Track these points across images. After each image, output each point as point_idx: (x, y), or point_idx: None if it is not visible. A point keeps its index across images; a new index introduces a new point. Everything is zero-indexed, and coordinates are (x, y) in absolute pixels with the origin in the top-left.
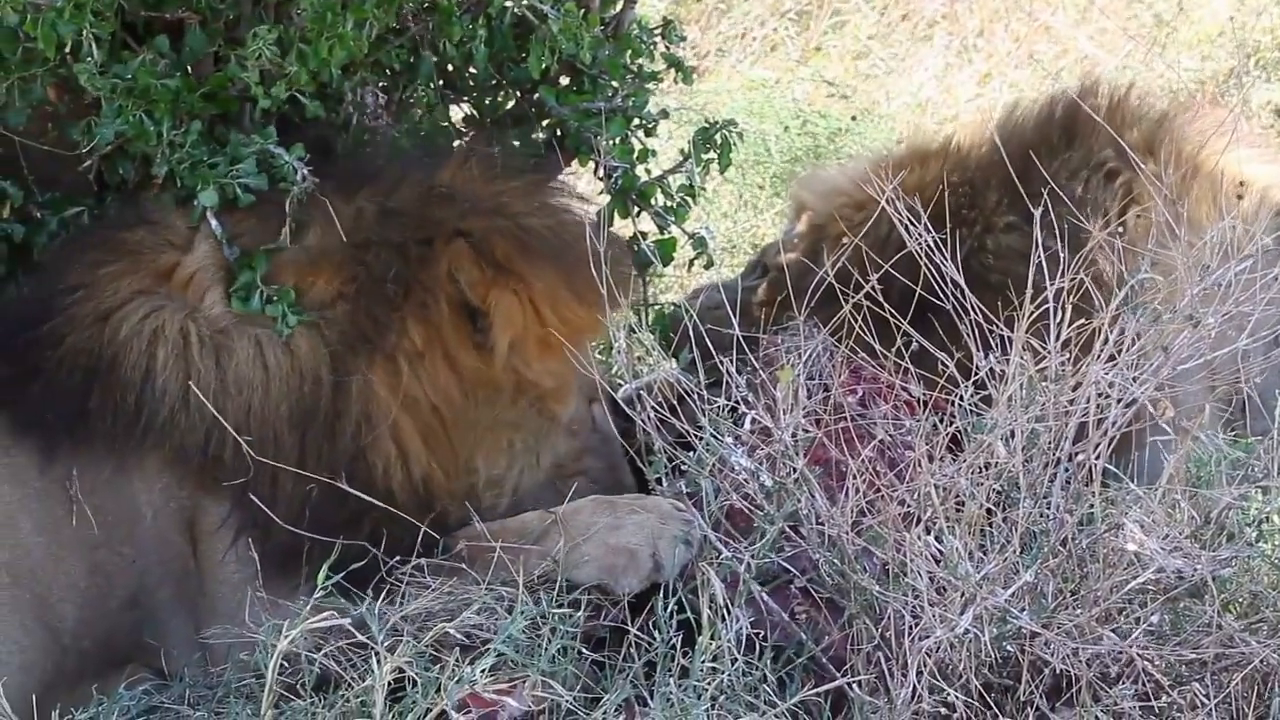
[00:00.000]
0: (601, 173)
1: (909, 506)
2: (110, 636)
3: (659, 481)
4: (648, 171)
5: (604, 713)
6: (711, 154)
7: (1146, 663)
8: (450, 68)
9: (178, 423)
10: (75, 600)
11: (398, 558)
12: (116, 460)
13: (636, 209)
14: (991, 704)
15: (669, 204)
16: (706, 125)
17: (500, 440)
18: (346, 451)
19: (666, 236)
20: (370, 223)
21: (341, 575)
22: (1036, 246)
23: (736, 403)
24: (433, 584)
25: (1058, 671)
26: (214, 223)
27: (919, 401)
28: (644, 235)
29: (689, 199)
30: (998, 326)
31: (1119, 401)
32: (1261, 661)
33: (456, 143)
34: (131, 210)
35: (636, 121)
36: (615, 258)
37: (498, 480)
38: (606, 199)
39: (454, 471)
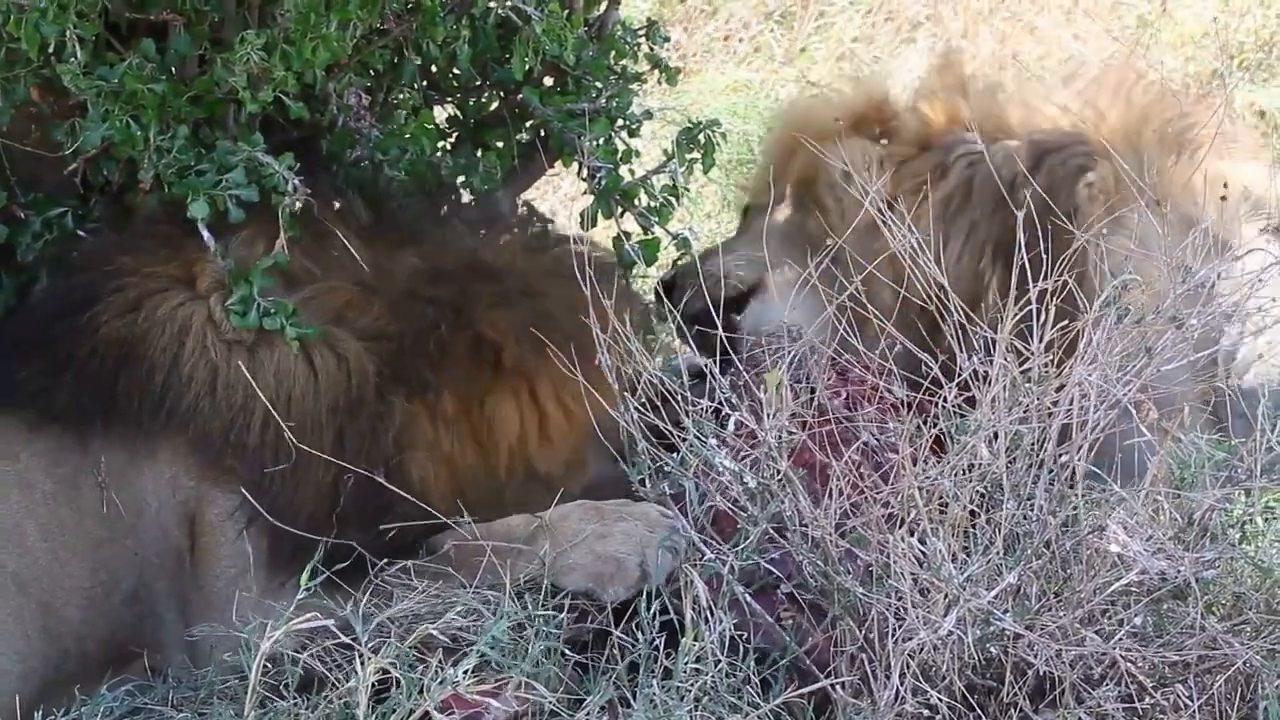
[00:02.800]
0: (585, 174)
1: (892, 508)
2: (112, 634)
3: (642, 483)
4: (631, 172)
5: (587, 714)
6: (695, 154)
7: (1130, 664)
8: (434, 69)
9: (201, 408)
10: (79, 603)
11: (385, 559)
12: (130, 450)
13: (620, 210)
14: (974, 706)
15: (653, 204)
16: (690, 126)
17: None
18: (386, 452)
19: (650, 237)
20: (419, 279)
21: (332, 573)
22: (1019, 248)
23: (720, 404)
24: (419, 586)
25: (1041, 673)
26: (206, 234)
27: (903, 403)
28: (628, 236)
29: (672, 199)
30: (980, 327)
31: (1102, 403)
32: (1245, 663)
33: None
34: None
35: (620, 122)
36: (640, 321)
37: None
38: (590, 200)
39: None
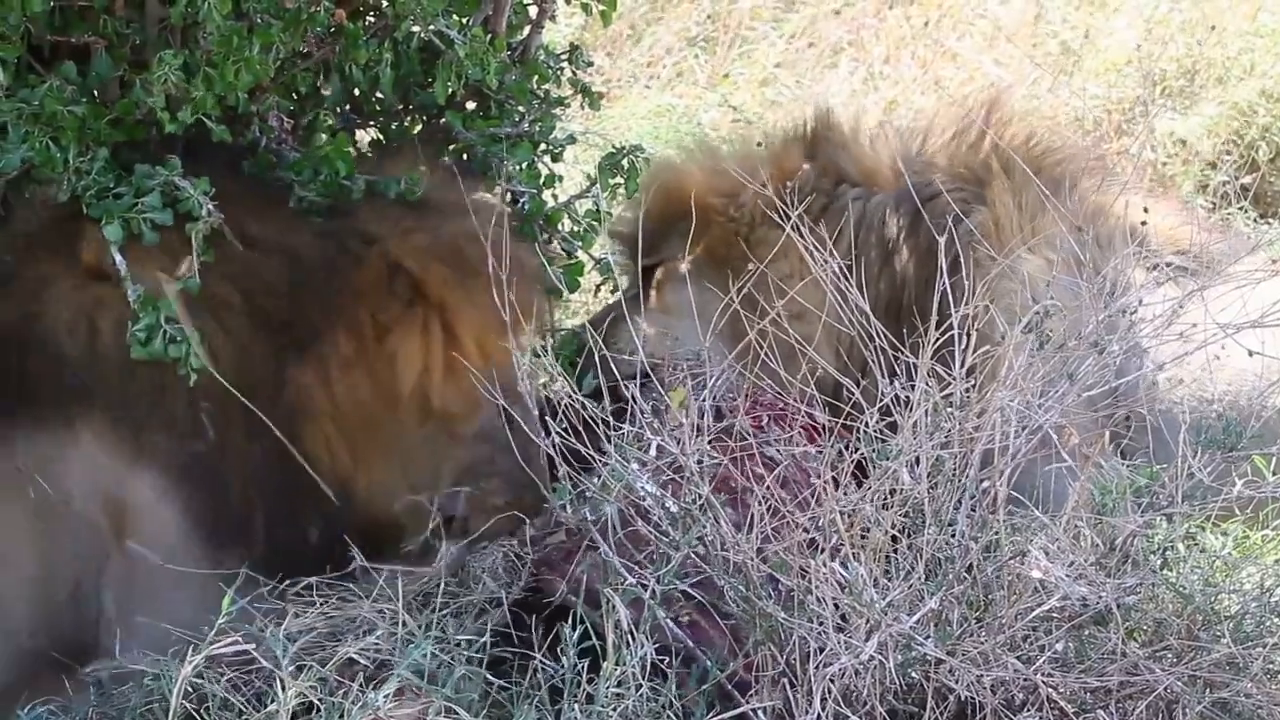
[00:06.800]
0: (508, 198)
1: (814, 532)
2: (61, 632)
3: (564, 507)
4: (554, 197)
5: None
6: (618, 179)
7: (1051, 690)
8: (357, 92)
9: (122, 388)
10: (26, 596)
11: (287, 581)
12: (53, 436)
13: (545, 235)
14: None
15: (576, 229)
16: (614, 151)
17: (414, 458)
18: (286, 424)
19: (574, 262)
20: (306, 225)
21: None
22: (941, 274)
23: (641, 428)
24: (329, 602)
25: (962, 699)
26: (118, 258)
27: (824, 428)
28: (550, 261)
29: (595, 224)
30: (903, 352)
31: (1023, 428)
32: (1166, 689)
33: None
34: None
35: (543, 147)
36: (535, 276)
37: (414, 498)
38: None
39: (376, 483)
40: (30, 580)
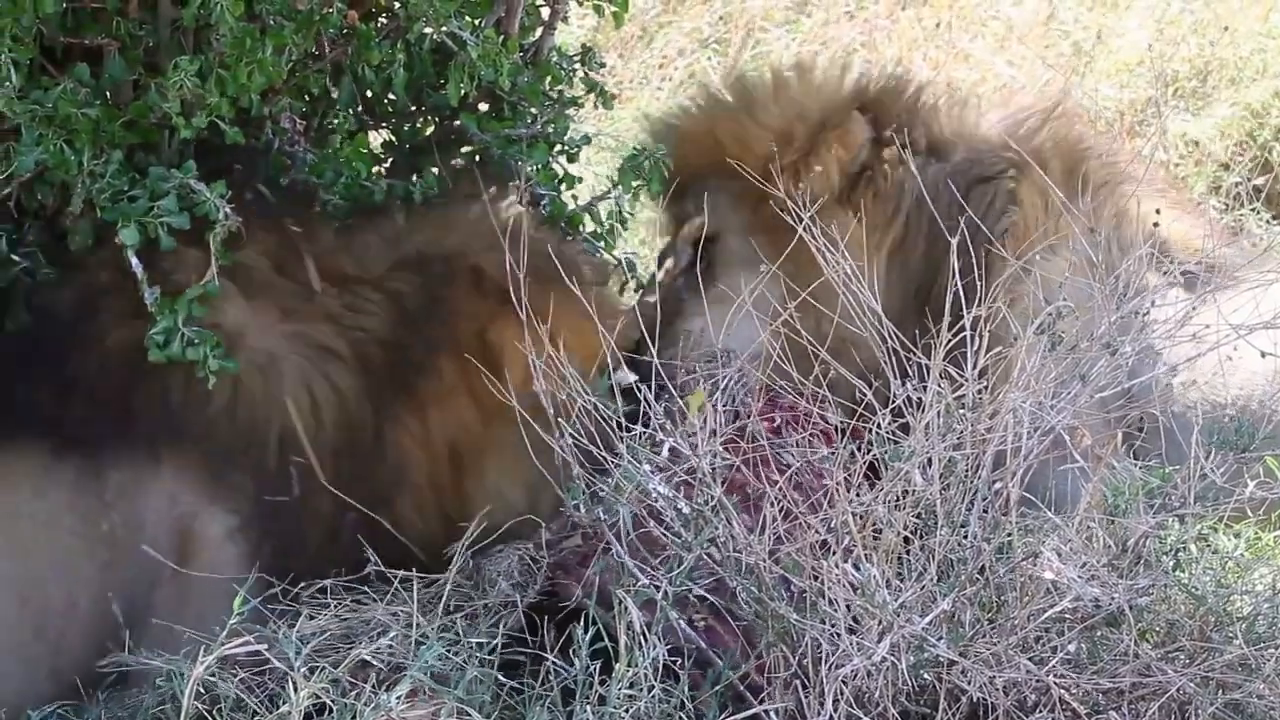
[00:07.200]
0: (522, 199)
1: (826, 534)
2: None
3: (576, 508)
4: (574, 198)
5: None
6: (639, 181)
7: (1063, 691)
8: (369, 93)
9: (221, 428)
10: (83, 631)
11: (301, 584)
12: (137, 467)
13: (567, 236)
14: None
15: (599, 230)
16: (635, 152)
17: (526, 460)
18: (380, 488)
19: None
20: (394, 258)
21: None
22: (953, 274)
23: (654, 429)
24: (332, 604)
25: (975, 700)
26: (134, 261)
27: (836, 429)
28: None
29: (618, 225)
30: (915, 353)
31: (1035, 430)
32: (1178, 690)
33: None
34: None
35: (559, 148)
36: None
37: (530, 499)
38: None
39: (471, 505)
40: (87, 616)
